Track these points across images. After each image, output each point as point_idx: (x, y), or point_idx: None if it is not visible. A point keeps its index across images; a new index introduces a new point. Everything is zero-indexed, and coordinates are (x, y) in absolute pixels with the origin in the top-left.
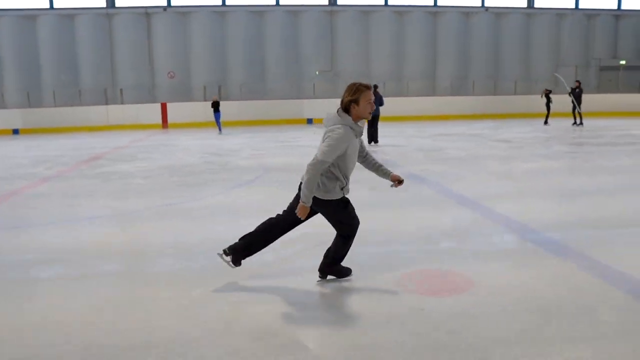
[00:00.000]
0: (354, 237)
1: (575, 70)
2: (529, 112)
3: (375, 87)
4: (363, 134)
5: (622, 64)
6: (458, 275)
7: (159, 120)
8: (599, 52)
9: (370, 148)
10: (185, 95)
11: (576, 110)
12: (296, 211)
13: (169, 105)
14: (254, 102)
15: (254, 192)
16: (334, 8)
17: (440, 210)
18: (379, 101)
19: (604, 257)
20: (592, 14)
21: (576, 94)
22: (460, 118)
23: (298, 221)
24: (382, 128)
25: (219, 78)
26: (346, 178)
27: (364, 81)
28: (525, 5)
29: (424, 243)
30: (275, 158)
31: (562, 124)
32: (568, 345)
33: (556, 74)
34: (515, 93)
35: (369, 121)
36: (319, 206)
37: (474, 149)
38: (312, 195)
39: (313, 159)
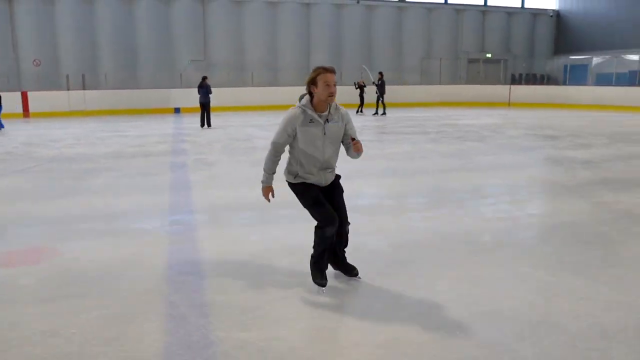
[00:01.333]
0: (329, 234)
1: (440, 63)
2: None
3: (204, 78)
4: (342, 121)
5: (488, 57)
6: None
7: (20, 109)
8: (467, 45)
9: (202, 131)
10: (55, 83)
11: (380, 101)
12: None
13: (31, 94)
14: (120, 91)
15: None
16: None
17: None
18: (207, 90)
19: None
20: (461, 9)
21: (379, 85)
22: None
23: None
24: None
25: (88, 66)
26: (301, 165)
27: (237, 70)
28: None
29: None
30: (81, 148)
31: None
32: None
33: (364, 66)
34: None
35: (201, 107)
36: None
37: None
38: (269, 175)
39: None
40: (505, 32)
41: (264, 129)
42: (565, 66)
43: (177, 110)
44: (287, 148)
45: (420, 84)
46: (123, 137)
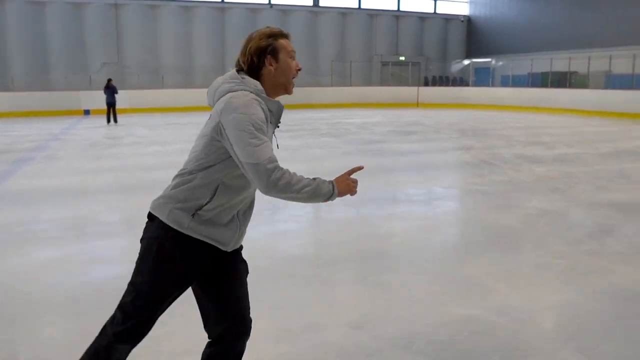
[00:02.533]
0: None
1: (349, 65)
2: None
3: (109, 80)
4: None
5: (402, 60)
6: None
7: None
8: (380, 48)
9: (81, 130)
10: None
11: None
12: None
13: None
14: (31, 93)
15: None
16: (118, 2)
17: None
18: (112, 91)
19: None
20: (374, 14)
21: None
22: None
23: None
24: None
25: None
26: (217, 203)
27: (153, 75)
28: (310, 3)
29: None
30: None
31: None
32: None
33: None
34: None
35: (107, 107)
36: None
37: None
38: (319, 180)
39: (261, 170)
40: (418, 36)
41: (152, 129)
42: (474, 69)
43: (86, 112)
44: (195, 166)
45: (332, 85)
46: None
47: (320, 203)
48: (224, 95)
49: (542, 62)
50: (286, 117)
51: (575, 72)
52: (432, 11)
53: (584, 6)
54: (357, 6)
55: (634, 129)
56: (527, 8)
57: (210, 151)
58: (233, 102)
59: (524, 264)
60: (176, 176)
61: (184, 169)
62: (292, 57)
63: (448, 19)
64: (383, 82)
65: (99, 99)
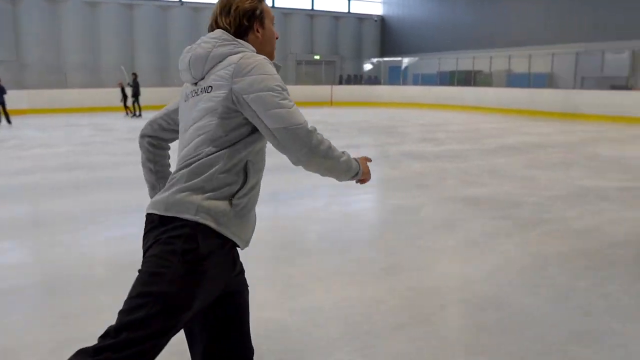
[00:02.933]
0: None
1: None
2: None
3: None
4: None
5: (316, 59)
6: None
7: None
8: (295, 47)
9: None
10: None
11: (134, 102)
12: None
13: None
14: None
15: None
16: None
17: None
18: (1, 91)
19: None
20: (288, 12)
21: (133, 86)
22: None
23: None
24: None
25: None
26: (250, 189)
27: (54, 71)
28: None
29: None
30: None
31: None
32: None
33: (122, 67)
34: None
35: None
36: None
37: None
38: (347, 155)
39: (301, 133)
40: (333, 36)
41: (44, 130)
42: (389, 68)
43: None
44: (213, 147)
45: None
46: None
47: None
48: (223, 59)
49: (450, 61)
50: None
51: (480, 71)
52: (347, 11)
53: (485, 8)
54: (270, 5)
55: (526, 124)
56: (435, 8)
57: (230, 127)
58: (247, 63)
59: (349, 263)
60: (184, 165)
61: (195, 154)
62: (273, 24)
63: (362, 18)
64: (298, 81)
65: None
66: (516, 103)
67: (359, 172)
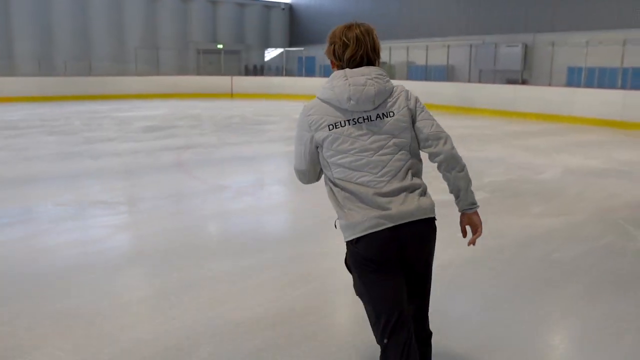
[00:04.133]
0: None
1: (157, 53)
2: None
3: None
4: None
5: (219, 48)
6: None
7: None
8: (197, 35)
9: None
10: None
11: None
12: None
13: None
14: None
15: None
16: None
17: None
18: None
19: None
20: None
21: None
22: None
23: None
24: None
25: None
26: None
27: None
28: None
29: None
30: None
31: None
32: None
33: None
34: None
35: None
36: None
37: None
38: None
39: (444, 140)
40: (238, 24)
41: None
42: (298, 58)
43: None
44: (408, 152)
45: (136, 74)
46: None
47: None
48: (392, 92)
49: None
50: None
51: (384, 62)
52: None
53: None
54: None
55: None
56: None
57: (412, 136)
58: (410, 92)
59: None
60: (401, 170)
61: (403, 159)
62: None
63: (269, 6)
64: (200, 71)
65: None
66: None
67: (475, 204)
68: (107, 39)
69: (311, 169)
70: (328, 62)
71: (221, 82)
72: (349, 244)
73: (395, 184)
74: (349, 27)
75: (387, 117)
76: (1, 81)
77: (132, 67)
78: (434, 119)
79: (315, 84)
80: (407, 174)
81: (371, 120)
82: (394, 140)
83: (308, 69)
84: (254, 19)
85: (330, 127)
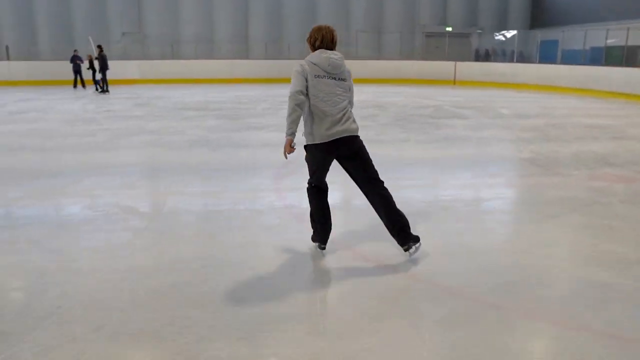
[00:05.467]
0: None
1: (378, 37)
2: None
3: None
4: None
5: (448, 31)
6: None
7: None
8: (424, 17)
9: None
10: None
11: (102, 77)
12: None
13: None
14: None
15: None
16: None
17: None
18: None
19: None
20: None
21: (100, 60)
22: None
23: None
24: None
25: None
26: None
27: (173, 44)
28: None
29: None
30: None
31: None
32: None
33: (89, 37)
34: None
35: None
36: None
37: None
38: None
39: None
40: (471, 4)
41: (142, 106)
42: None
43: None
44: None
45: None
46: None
47: None
48: (343, 66)
49: (599, 34)
50: None
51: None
52: None
53: None
54: None
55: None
56: None
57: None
58: (348, 67)
59: None
60: (347, 109)
61: (346, 101)
62: None
63: None
64: (426, 56)
65: (116, 69)
66: None
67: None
68: (331, 21)
69: (303, 91)
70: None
71: (444, 67)
72: (312, 146)
73: (341, 115)
74: (319, 28)
75: (341, 79)
76: (237, 63)
77: (354, 50)
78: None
79: (550, 73)
80: (346, 110)
81: (336, 79)
82: (342, 91)
83: (545, 54)
84: None
85: (316, 76)
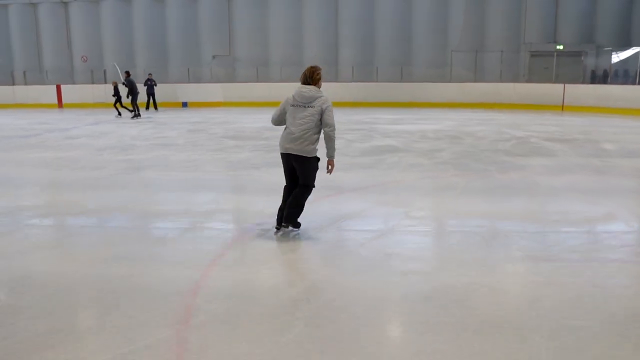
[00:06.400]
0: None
1: (475, 56)
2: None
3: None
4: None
5: (559, 49)
6: None
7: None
8: (530, 35)
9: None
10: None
11: (121, 103)
12: (328, 168)
13: (64, 87)
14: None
15: None
16: None
17: None
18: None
19: None
20: None
21: (127, 85)
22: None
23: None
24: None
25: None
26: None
27: (263, 67)
28: None
29: None
30: None
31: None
32: None
33: (114, 64)
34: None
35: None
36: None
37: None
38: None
39: (331, 127)
40: (586, 19)
41: (193, 133)
42: None
43: (184, 105)
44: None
45: (450, 81)
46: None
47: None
48: (316, 98)
49: None
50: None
51: None
52: None
53: None
54: None
55: None
56: None
57: (317, 120)
58: (325, 100)
59: None
60: (309, 131)
61: (310, 127)
62: None
63: None
64: (532, 78)
65: (200, 92)
66: None
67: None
68: (427, 41)
69: (281, 118)
70: None
71: (551, 90)
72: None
73: (300, 134)
74: (306, 69)
75: (310, 107)
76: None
77: (447, 71)
78: (332, 117)
79: None
80: (307, 133)
81: (305, 107)
82: (309, 118)
83: None
84: (611, 9)
85: (292, 105)
